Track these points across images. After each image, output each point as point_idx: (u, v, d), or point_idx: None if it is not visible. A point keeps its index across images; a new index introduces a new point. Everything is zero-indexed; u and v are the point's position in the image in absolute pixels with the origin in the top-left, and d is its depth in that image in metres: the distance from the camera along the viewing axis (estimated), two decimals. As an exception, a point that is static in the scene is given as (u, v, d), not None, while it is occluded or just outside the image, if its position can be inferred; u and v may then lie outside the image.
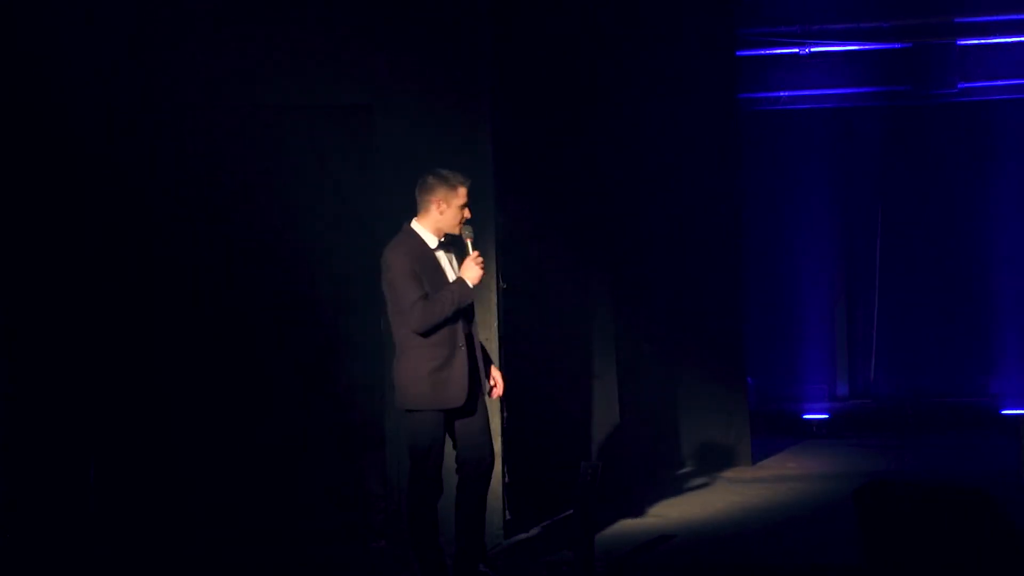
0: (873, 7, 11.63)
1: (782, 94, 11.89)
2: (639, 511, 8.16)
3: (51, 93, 7.17)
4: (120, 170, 7.28)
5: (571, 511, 6.81)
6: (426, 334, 6.09)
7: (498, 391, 6.40)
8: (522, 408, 7.65)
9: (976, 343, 11.89)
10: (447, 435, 6.21)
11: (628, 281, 9.60)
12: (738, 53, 10.38)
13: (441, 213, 6.19)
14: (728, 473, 9.47)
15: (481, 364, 6.29)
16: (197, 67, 7.28)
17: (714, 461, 9.65)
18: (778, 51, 11.65)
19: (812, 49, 11.65)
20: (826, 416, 11.51)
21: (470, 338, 6.24)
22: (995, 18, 11.65)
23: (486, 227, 7.13)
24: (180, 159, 7.45)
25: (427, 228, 6.23)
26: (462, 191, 6.20)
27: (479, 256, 6.20)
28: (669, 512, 8.21)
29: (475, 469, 6.23)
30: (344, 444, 7.63)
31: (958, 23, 11.74)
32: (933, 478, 9.02)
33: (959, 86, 11.85)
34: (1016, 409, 8.49)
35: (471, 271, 6.14)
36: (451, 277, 6.20)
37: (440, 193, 6.18)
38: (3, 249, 7.04)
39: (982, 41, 11.79)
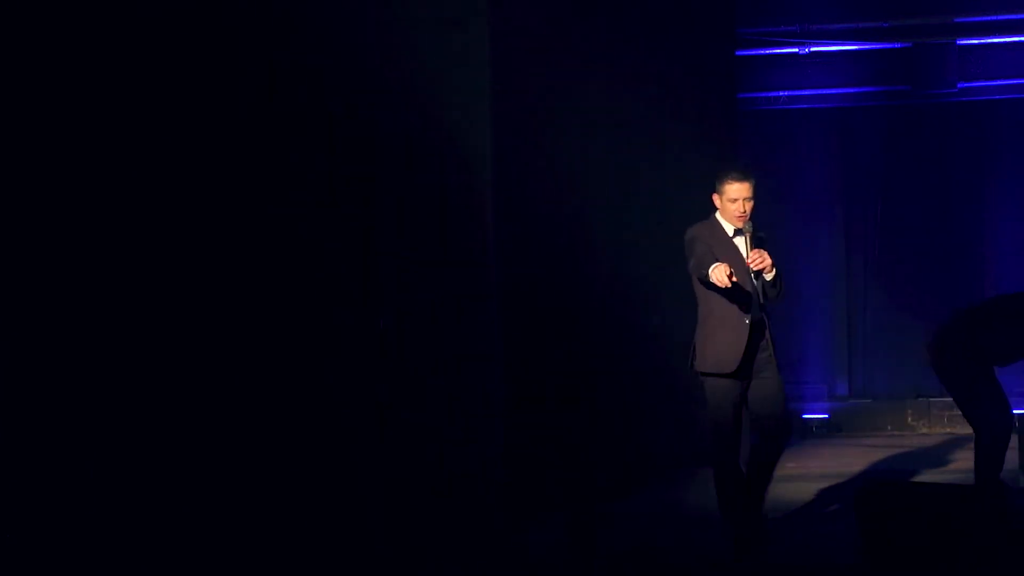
0: (872, 7, 11.65)
1: (781, 94, 11.90)
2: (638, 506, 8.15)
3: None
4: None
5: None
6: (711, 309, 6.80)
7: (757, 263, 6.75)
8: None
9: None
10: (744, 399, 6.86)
11: (625, 282, 9.61)
12: (737, 53, 10.39)
13: (720, 206, 6.83)
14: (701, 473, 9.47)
15: (766, 342, 6.84)
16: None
17: (692, 459, 9.66)
18: (777, 51, 11.66)
19: (811, 49, 11.66)
20: (826, 416, 11.51)
21: (759, 324, 6.79)
22: (994, 18, 11.66)
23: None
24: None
25: (724, 218, 6.87)
26: (727, 188, 6.79)
27: (754, 257, 6.67)
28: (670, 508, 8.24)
29: (767, 430, 6.89)
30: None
31: (957, 23, 11.76)
32: (933, 479, 9.04)
33: (958, 86, 11.87)
34: (1015, 409, 8.54)
35: (718, 271, 6.52)
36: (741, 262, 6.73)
37: (716, 188, 6.84)
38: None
39: (981, 41, 11.81)
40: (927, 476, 9.20)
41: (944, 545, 6.29)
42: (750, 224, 6.84)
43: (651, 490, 9.08)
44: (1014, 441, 8.23)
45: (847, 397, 11.92)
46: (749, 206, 6.83)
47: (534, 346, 8.69)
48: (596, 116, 9.33)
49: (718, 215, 6.93)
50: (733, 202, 6.80)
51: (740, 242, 6.86)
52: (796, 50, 11.69)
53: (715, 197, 6.90)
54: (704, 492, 8.80)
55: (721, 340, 6.88)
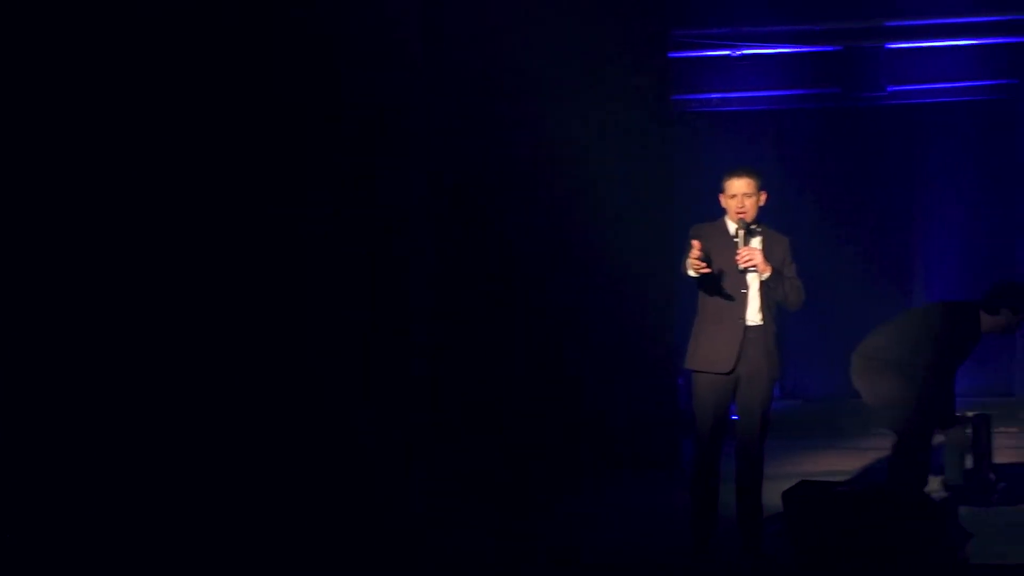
0: (803, 10, 11.69)
1: (714, 96, 11.93)
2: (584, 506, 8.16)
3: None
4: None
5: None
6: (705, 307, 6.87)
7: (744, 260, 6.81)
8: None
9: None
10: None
11: (561, 286, 9.61)
12: (670, 55, 10.40)
13: (725, 205, 6.91)
14: (658, 474, 9.48)
15: (764, 347, 6.84)
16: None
17: (644, 462, 9.66)
18: (709, 53, 11.69)
19: (743, 51, 11.70)
20: (757, 417, 11.54)
21: (755, 327, 6.80)
22: (923, 22, 11.75)
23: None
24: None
25: (729, 217, 6.90)
26: (727, 184, 6.88)
27: (741, 254, 6.75)
28: (589, 514, 8.28)
29: (740, 445, 7.01)
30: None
31: (887, 27, 11.84)
32: (862, 479, 9.10)
33: (888, 89, 11.96)
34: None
35: (689, 259, 6.64)
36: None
37: (721, 187, 6.93)
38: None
39: (910, 45, 11.90)
40: (856, 477, 9.26)
41: (870, 544, 6.34)
42: (743, 221, 6.83)
43: (598, 490, 9.11)
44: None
45: (778, 398, 11.93)
46: (749, 203, 6.84)
47: (468, 342, 8.68)
48: (528, 117, 9.32)
49: (726, 216, 6.95)
50: (733, 198, 6.85)
51: (753, 243, 6.88)
52: (728, 52, 11.73)
53: (721, 197, 6.94)
54: (654, 493, 8.88)
55: (711, 338, 6.87)
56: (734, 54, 11.74)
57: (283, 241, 7.36)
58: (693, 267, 6.64)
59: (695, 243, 6.64)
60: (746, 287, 6.83)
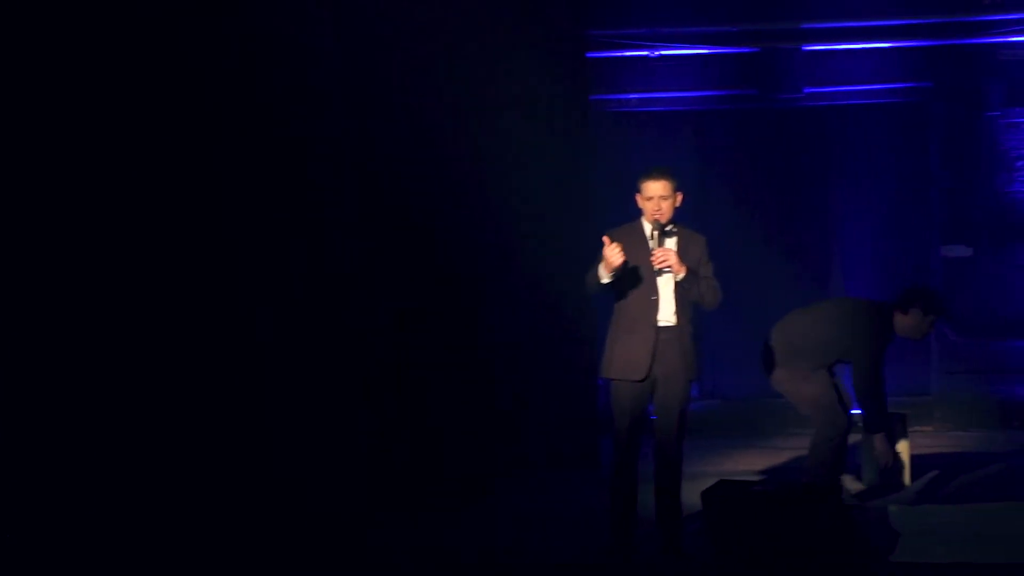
0: (721, 12, 11.75)
1: (633, 96, 11.95)
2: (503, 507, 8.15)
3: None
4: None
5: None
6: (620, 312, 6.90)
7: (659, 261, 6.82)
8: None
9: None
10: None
11: (479, 287, 9.57)
12: (589, 55, 10.39)
13: (641, 206, 6.91)
14: (577, 475, 9.47)
15: (679, 348, 6.86)
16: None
17: (564, 462, 9.64)
18: (628, 53, 11.71)
19: (661, 52, 11.73)
20: (676, 417, 11.56)
21: (671, 329, 6.83)
22: (840, 24, 11.86)
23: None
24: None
25: (645, 219, 6.90)
26: (643, 186, 6.88)
27: (656, 255, 6.77)
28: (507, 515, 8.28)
29: (659, 446, 7.03)
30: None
31: (804, 29, 11.93)
32: (779, 478, 9.14)
33: (805, 91, 12.04)
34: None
35: (603, 264, 6.70)
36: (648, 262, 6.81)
37: (638, 187, 6.93)
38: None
39: (827, 47, 12.00)
40: (774, 476, 9.30)
41: (787, 542, 6.36)
42: (658, 222, 6.84)
43: (517, 491, 9.09)
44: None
45: (697, 399, 11.98)
46: (665, 205, 6.85)
47: (385, 343, 8.62)
48: (446, 119, 9.27)
49: (643, 217, 6.95)
50: (649, 200, 6.86)
51: (667, 242, 6.89)
52: (647, 53, 11.75)
53: (637, 198, 6.94)
54: (573, 493, 8.86)
55: (626, 346, 6.89)
56: (652, 55, 11.76)
57: (205, 249, 7.27)
58: (609, 260, 6.61)
59: (607, 239, 6.65)
60: (657, 292, 6.85)
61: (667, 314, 6.86)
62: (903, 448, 8.75)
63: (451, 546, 7.54)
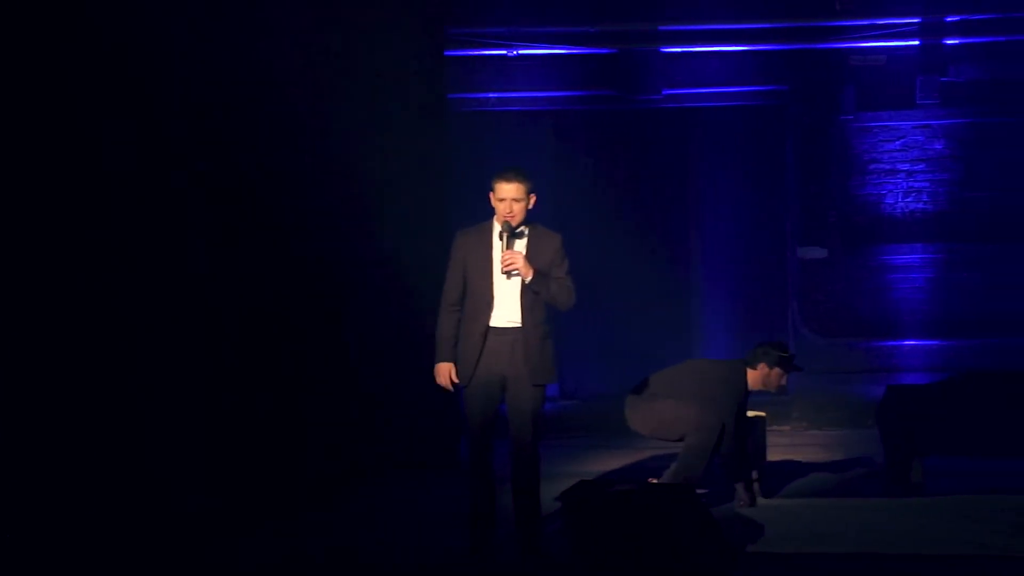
0: (580, 12, 11.79)
1: (491, 95, 11.92)
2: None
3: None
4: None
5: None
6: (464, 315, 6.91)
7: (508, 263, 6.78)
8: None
9: (682, 342, 12.12)
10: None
11: (338, 287, 9.46)
12: (447, 52, 10.31)
13: (493, 204, 6.83)
14: (437, 475, 9.40)
15: (523, 350, 6.80)
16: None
17: (424, 462, 9.58)
18: (486, 52, 11.67)
19: (519, 51, 11.71)
20: (536, 418, 11.54)
21: (510, 331, 6.79)
22: (697, 27, 11.97)
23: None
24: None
25: (497, 218, 6.85)
26: (496, 187, 6.81)
27: (504, 258, 6.73)
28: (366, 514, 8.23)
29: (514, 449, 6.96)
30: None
31: (662, 31, 12.02)
32: (637, 478, 9.15)
33: (663, 92, 12.13)
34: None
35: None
36: (496, 264, 6.78)
37: (491, 187, 6.86)
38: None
39: (685, 49, 12.10)
40: (633, 475, 9.32)
41: (644, 541, 6.37)
42: (508, 224, 6.79)
43: (377, 491, 9.03)
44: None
45: (557, 399, 11.99)
46: (517, 207, 6.79)
47: (241, 344, 8.47)
48: (300, 116, 9.12)
49: (495, 217, 6.89)
50: (501, 201, 6.79)
51: (516, 243, 6.84)
52: (505, 52, 11.73)
53: (491, 196, 6.88)
54: (433, 494, 8.79)
55: (462, 347, 6.88)
56: (511, 54, 11.75)
57: (53, 249, 7.06)
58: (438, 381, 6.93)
59: (444, 368, 6.94)
60: (492, 295, 6.82)
61: (510, 315, 6.81)
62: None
63: (309, 547, 7.43)
